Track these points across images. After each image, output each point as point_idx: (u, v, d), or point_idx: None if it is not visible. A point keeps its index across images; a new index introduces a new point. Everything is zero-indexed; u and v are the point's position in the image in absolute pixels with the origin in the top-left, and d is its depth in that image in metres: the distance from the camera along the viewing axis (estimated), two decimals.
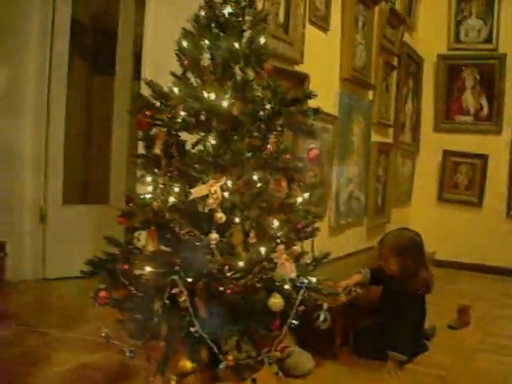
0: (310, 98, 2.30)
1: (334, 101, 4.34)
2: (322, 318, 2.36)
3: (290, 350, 2.74)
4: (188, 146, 2.30)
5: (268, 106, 2.17)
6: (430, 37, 6.27)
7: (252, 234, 2.13)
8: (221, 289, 2.04)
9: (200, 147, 2.28)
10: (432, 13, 6.25)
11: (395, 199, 5.82)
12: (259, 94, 2.20)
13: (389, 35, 5.24)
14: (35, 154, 4.22)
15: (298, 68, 3.70)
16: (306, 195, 2.31)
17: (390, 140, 5.63)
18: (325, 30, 4.12)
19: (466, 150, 6.18)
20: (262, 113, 2.16)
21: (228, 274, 1.99)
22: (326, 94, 4.15)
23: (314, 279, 2.25)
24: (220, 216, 2.05)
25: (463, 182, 6.28)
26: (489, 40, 6.08)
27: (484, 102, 6.18)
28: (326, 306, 2.36)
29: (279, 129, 2.21)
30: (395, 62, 5.58)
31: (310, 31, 3.86)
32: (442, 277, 5.03)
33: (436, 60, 6.27)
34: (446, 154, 6.26)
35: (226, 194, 2.10)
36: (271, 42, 3.30)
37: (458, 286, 5.32)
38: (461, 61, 6.21)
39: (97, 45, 5.00)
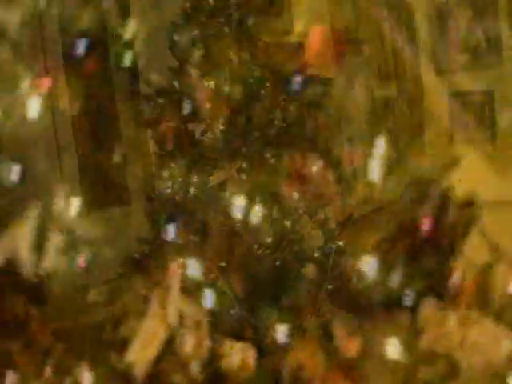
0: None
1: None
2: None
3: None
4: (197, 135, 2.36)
5: (267, 84, 2.21)
6: None
7: (274, 210, 2.19)
8: (253, 268, 2.11)
9: (209, 135, 2.34)
10: None
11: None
12: (257, 73, 2.25)
13: None
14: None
15: (290, 38, 3.70)
16: (320, 163, 2.35)
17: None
18: None
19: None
20: (263, 91, 2.21)
21: (259, 252, 2.06)
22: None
23: (340, 243, 2.31)
24: (241, 199, 2.11)
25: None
26: None
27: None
28: None
29: (283, 102, 2.26)
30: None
31: None
32: None
33: None
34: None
35: (244, 177, 2.17)
36: (260, 17, 3.36)
37: None
38: None
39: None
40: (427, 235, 2.30)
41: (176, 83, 2.29)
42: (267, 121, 2.24)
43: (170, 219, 2.25)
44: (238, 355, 2.06)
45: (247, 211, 2.16)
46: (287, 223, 2.20)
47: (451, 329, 2.04)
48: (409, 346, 2.05)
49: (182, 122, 2.22)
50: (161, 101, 2.24)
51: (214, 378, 2.06)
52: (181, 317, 2.03)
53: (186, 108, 2.19)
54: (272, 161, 2.20)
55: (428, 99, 6.27)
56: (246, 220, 2.13)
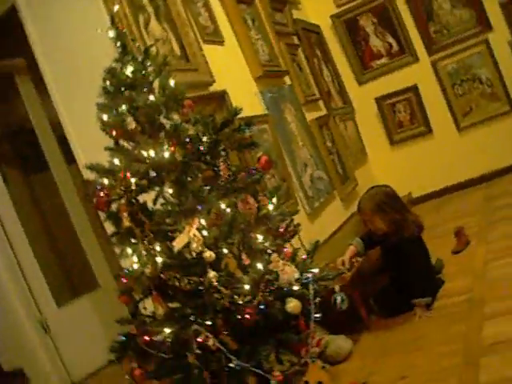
0: (237, 114, 2.38)
1: (259, 101, 4.44)
2: (339, 299, 2.45)
3: (326, 340, 2.83)
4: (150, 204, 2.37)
5: (205, 139, 2.25)
6: (316, 3, 6.42)
7: (244, 256, 2.21)
8: (239, 317, 2.11)
9: (161, 201, 2.35)
10: None
11: (353, 162, 5.95)
12: (192, 132, 2.28)
13: (280, 19, 5.37)
14: (13, 278, 4.22)
15: (213, 88, 3.79)
16: (275, 200, 2.39)
17: (323, 112, 5.76)
18: (221, 42, 4.22)
19: (395, 89, 6.36)
20: (201, 148, 2.24)
21: (240, 302, 2.06)
22: (249, 99, 4.25)
23: (316, 270, 2.34)
24: (209, 255, 2.12)
25: (406, 118, 6.45)
26: None
27: (391, 40, 6.36)
28: (337, 287, 2.45)
29: (223, 154, 2.30)
30: (296, 40, 5.72)
31: (209, 50, 3.94)
32: (424, 212, 5.17)
33: (331, 22, 6.44)
34: (379, 100, 6.43)
35: (205, 233, 2.17)
36: (179, 77, 3.42)
37: (441, 215, 5.46)
38: (352, 13, 6.38)
39: (20, 147, 5.00)
40: None
41: (116, 160, 2.30)
42: (213, 174, 2.27)
43: (147, 292, 2.23)
44: None
45: (218, 265, 2.17)
46: (259, 265, 2.21)
47: None
48: None
49: (133, 197, 2.22)
50: (105, 181, 2.24)
51: None
52: None
53: (133, 183, 2.19)
54: (228, 210, 2.22)
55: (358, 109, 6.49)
56: (219, 274, 2.14)
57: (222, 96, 3.75)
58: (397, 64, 6.35)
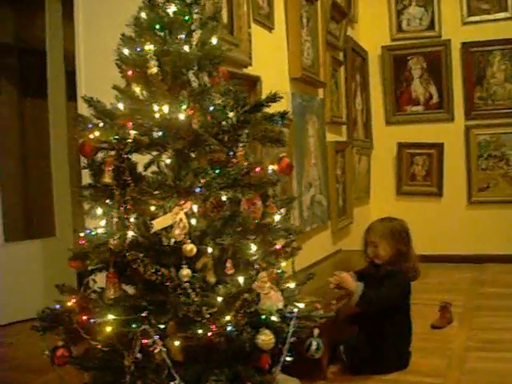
0: (275, 101, 2.01)
1: (287, 102, 4.09)
2: (314, 345, 2.09)
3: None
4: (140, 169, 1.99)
5: (231, 115, 1.88)
6: (372, 29, 6.13)
7: (228, 264, 1.83)
8: (200, 332, 1.74)
9: (154, 169, 1.98)
10: (372, 4, 6.11)
11: (355, 198, 5.61)
12: (219, 101, 1.91)
13: (333, 30, 5.03)
14: None
15: (247, 71, 3.43)
16: (283, 211, 2.03)
17: (344, 138, 5.42)
18: (270, 28, 3.87)
19: (421, 141, 6.05)
20: (224, 123, 1.87)
21: (206, 315, 1.69)
22: None
23: (302, 305, 1.97)
24: (190, 248, 1.75)
25: (421, 173, 6.14)
26: (431, 27, 5.98)
27: (433, 90, 6.06)
28: (316, 331, 2.08)
29: (245, 139, 1.92)
30: (341, 57, 5.39)
31: (256, 31, 3.60)
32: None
33: (381, 52, 6.13)
34: (401, 146, 6.11)
35: (194, 221, 1.80)
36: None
37: (429, 281, 5.15)
38: (406, 50, 6.08)
39: (25, 66, 4.60)
40: None
41: (121, 105, 1.93)
42: (226, 158, 1.90)
43: (102, 267, 1.86)
44: None
45: (196, 264, 1.80)
46: (241, 279, 1.85)
47: None
48: None
49: (126, 153, 1.84)
50: (101, 124, 1.86)
51: None
52: None
53: (132, 136, 1.81)
54: (229, 205, 1.85)
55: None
56: (193, 274, 1.77)
57: (254, 81, 3.40)
58: (431, 116, 6.05)
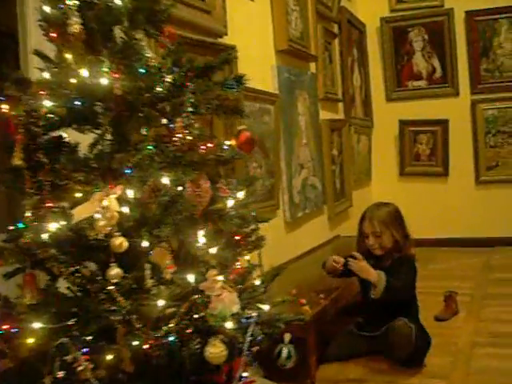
0: (228, 62, 1.66)
1: (272, 77, 3.74)
2: (284, 353, 1.76)
3: None
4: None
5: (169, 78, 1.54)
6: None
7: (168, 260, 1.51)
8: (135, 344, 1.42)
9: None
10: None
11: (354, 180, 5.26)
12: (153, 62, 1.56)
13: (324, 0, 4.67)
14: None
15: (222, 41, 3.08)
16: (240, 194, 1.70)
17: (340, 116, 5.06)
18: None
19: (424, 118, 5.68)
20: (159, 88, 1.53)
21: (137, 325, 1.37)
22: (260, 70, 3.55)
23: (266, 307, 1.64)
24: (119, 242, 1.42)
25: (425, 152, 5.79)
26: None
27: (436, 63, 5.69)
28: (288, 337, 1.75)
29: (190, 109, 1.58)
30: (335, 29, 5.02)
31: None
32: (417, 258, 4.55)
33: (379, 24, 5.75)
34: (403, 124, 5.75)
35: (126, 209, 1.48)
36: (184, 12, 2.73)
37: (435, 266, 4.83)
38: (406, 22, 5.71)
39: None
40: None
41: (46, 75, 1.60)
42: (167, 131, 1.57)
43: (20, 268, 1.54)
44: None
45: (129, 261, 1.48)
46: (190, 278, 1.53)
47: None
48: None
49: (45, 129, 1.51)
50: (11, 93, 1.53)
51: None
52: None
53: (47, 108, 1.48)
54: (169, 188, 1.51)
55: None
56: (125, 275, 1.44)
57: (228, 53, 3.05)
58: (434, 91, 5.68)
